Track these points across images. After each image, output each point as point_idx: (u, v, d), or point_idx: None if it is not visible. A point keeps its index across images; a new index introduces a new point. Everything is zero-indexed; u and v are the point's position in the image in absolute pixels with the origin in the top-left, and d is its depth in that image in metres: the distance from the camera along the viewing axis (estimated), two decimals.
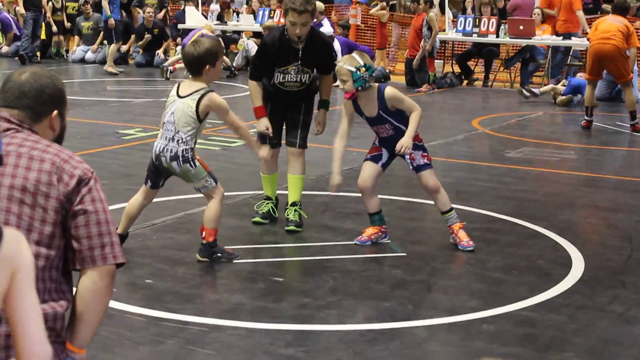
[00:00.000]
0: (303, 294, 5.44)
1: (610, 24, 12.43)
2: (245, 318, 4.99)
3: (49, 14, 20.74)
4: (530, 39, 16.85)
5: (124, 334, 4.72)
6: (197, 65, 5.85)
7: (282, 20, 17.47)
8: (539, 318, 5.10)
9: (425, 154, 6.39)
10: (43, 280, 2.77)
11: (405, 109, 6.27)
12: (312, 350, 4.59)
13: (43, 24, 20.72)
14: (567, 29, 16.82)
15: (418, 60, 16.58)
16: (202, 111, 5.82)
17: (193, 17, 20.14)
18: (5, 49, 21.57)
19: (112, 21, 18.00)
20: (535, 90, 15.39)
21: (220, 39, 18.78)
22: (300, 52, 6.64)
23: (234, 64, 18.85)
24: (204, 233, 5.94)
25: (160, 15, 21.59)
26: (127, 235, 6.10)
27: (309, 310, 5.14)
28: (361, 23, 20.36)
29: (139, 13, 21.27)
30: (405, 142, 6.19)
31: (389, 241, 6.52)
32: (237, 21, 20.58)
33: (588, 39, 13.21)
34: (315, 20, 17.46)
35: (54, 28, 20.80)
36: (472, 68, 18.54)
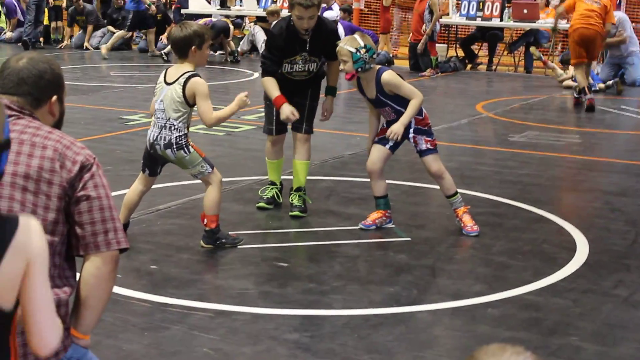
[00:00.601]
0: (308, 279, 5.44)
1: (590, 5, 12.61)
2: (250, 303, 4.99)
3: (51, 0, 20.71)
4: (535, 22, 16.81)
5: (129, 320, 4.73)
6: (183, 46, 5.77)
7: (285, 4, 17.46)
8: (544, 302, 5.10)
9: (430, 138, 6.37)
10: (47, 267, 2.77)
11: (404, 95, 6.24)
12: (317, 335, 4.59)
13: (46, 9, 20.69)
14: None
15: (423, 45, 16.55)
16: (189, 96, 5.75)
17: (196, 2, 20.11)
18: (8, 34, 21.55)
19: (153, 8, 18.63)
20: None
21: (230, 23, 18.75)
22: (307, 43, 6.62)
23: (238, 49, 18.83)
24: (205, 220, 5.93)
25: None
26: (128, 224, 6.09)
27: (314, 295, 5.14)
28: (364, 7, 20.31)
29: None
30: (395, 129, 6.20)
31: (394, 226, 6.52)
32: (240, 6, 20.53)
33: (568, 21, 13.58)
34: (324, 4, 17.46)
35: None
36: (476, 52, 18.49)
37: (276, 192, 7.08)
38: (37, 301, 2.22)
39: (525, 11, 16.76)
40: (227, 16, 20.04)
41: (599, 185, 7.98)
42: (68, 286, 2.84)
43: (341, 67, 6.29)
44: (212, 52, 18.83)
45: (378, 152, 6.45)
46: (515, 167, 8.76)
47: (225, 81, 15.13)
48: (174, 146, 5.80)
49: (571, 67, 14.44)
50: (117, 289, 4.94)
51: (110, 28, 20.45)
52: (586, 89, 12.58)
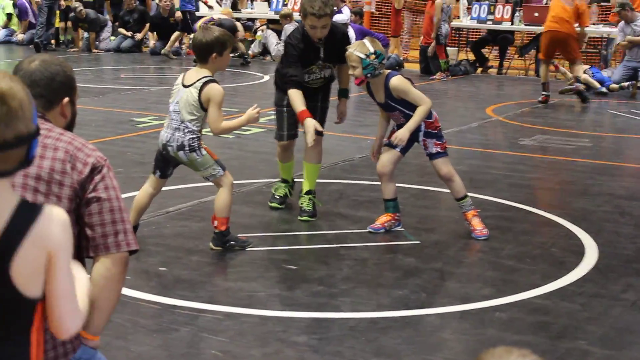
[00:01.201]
0: (317, 281, 5.45)
1: (562, 6, 12.97)
2: (259, 306, 5.00)
3: (63, 2, 20.74)
4: None
5: (138, 322, 4.75)
6: (204, 52, 5.82)
7: (296, 7, 17.48)
8: (552, 306, 5.10)
9: (439, 142, 6.35)
10: None
11: (411, 101, 6.22)
12: (326, 338, 4.60)
13: (58, 12, 20.72)
14: None
15: (433, 48, 16.54)
16: (204, 100, 5.79)
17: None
18: (20, 36, 21.61)
19: (178, 14, 18.99)
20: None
21: (238, 23, 18.77)
22: (321, 51, 6.67)
23: (249, 52, 18.87)
24: (215, 222, 5.95)
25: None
26: (137, 226, 6.11)
27: (323, 298, 5.15)
28: (375, 10, 20.31)
29: (152, 0, 21.27)
30: (400, 135, 6.20)
31: (403, 229, 6.52)
32: (252, 8, 20.57)
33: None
34: (335, 7, 17.47)
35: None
36: (487, 55, 18.48)
37: (288, 189, 7.22)
38: (59, 292, 2.25)
39: (536, 14, 16.74)
40: (238, 19, 20.08)
41: (609, 189, 7.97)
42: None
43: (350, 72, 6.29)
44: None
45: (388, 155, 6.45)
46: (525, 170, 8.75)
47: (236, 84, 15.15)
48: (187, 148, 5.83)
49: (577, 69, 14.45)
50: (126, 291, 4.97)
51: (122, 30, 20.48)
52: (545, 85, 13.58)
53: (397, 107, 6.29)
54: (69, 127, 3.02)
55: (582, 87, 14.00)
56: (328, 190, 7.65)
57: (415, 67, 17.51)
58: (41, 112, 2.93)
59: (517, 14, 17.30)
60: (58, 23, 21.06)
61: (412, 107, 6.23)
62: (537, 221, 6.89)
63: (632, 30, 15.02)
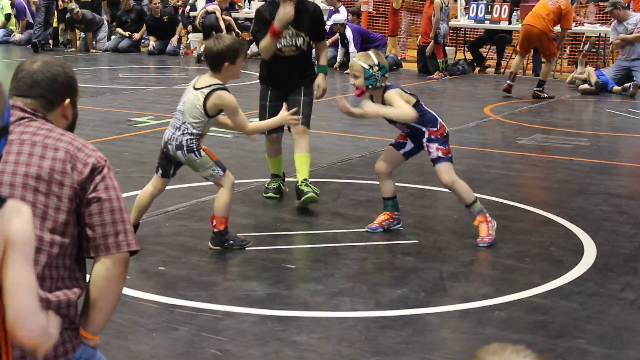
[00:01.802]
0: (315, 281, 5.46)
1: (544, 3, 13.30)
2: (258, 305, 5.01)
3: (60, 2, 20.73)
4: None
5: (138, 321, 4.75)
6: (216, 60, 5.82)
7: None
8: (551, 305, 5.11)
9: (442, 147, 6.17)
10: (57, 268, 2.79)
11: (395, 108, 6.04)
12: (324, 337, 4.60)
13: (55, 12, 20.72)
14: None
15: (431, 48, 16.55)
16: (210, 107, 5.79)
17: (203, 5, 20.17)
18: (18, 36, 21.60)
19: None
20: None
21: (228, 17, 18.80)
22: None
23: (248, 51, 18.92)
24: (214, 222, 5.96)
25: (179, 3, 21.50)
26: (138, 225, 6.12)
27: (322, 297, 5.16)
28: (373, 10, 20.31)
29: (142, 5, 21.26)
30: (364, 106, 6.06)
31: (402, 228, 6.53)
32: (249, 8, 20.56)
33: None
34: (332, 7, 17.47)
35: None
36: (484, 55, 18.49)
37: (281, 183, 7.41)
38: (13, 285, 2.17)
39: None
40: (236, 19, 20.08)
41: (607, 188, 7.97)
42: (78, 287, 2.86)
43: (352, 81, 6.24)
44: None
45: (388, 154, 6.43)
46: (523, 169, 8.76)
47: (234, 83, 15.13)
48: (185, 149, 5.84)
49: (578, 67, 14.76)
50: (126, 290, 4.96)
51: (120, 30, 20.48)
52: (512, 74, 14.17)
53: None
54: (70, 128, 3.03)
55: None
56: (326, 189, 7.66)
57: (413, 67, 17.52)
58: (42, 112, 2.94)
59: (514, 13, 17.30)
60: (56, 23, 21.06)
61: None
62: (536, 220, 6.89)
63: (624, 29, 15.04)
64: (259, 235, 6.36)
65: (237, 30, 18.84)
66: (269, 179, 7.52)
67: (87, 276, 2.94)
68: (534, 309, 5.05)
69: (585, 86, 14.66)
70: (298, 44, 7.09)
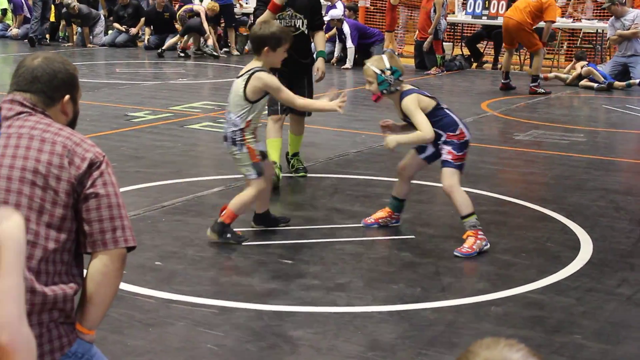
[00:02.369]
0: (312, 276, 5.46)
1: None
2: (255, 300, 5.01)
3: None
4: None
5: (134, 316, 4.75)
6: (258, 44, 5.97)
7: None
8: (547, 300, 5.11)
9: (454, 151, 6.01)
10: (54, 263, 2.79)
11: (414, 124, 5.95)
12: (321, 332, 4.61)
13: (52, 6, 20.68)
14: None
15: (429, 44, 16.55)
16: (250, 91, 5.84)
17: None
18: (14, 31, 21.57)
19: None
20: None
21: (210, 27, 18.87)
22: None
23: (245, 47, 18.98)
24: (224, 212, 5.98)
25: None
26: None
27: (318, 292, 5.16)
28: (370, 5, 20.30)
29: None
30: (388, 140, 5.94)
31: (399, 224, 6.52)
32: (246, 3, 20.54)
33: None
34: (329, 2, 17.46)
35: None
36: (482, 51, 18.48)
37: (277, 170, 7.49)
38: (0, 291, 2.08)
39: None
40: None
41: (604, 184, 7.98)
42: (74, 283, 2.87)
43: (367, 87, 6.16)
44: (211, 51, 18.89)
45: (410, 158, 6.33)
46: (520, 165, 8.76)
47: (230, 79, 15.13)
48: (229, 140, 5.97)
49: (577, 66, 14.79)
50: (122, 285, 4.94)
51: (117, 25, 20.46)
52: (504, 73, 14.30)
53: (414, 125, 6.02)
54: (71, 125, 3.03)
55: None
56: (323, 184, 7.66)
57: (410, 62, 17.50)
58: (42, 108, 2.94)
59: None
60: (53, 18, 21.03)
61: (432, 123, 5.97)
62: (532, 216, 6.90)
63: (622, 25, 15.05)
64: (257, 229, 6.36)
65: (216, 44, 18.98)
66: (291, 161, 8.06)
67: (85, 271, 2.94)
68: (531, 304, 5.06)
69: (590, 83, 14.63)
70: (297, 25, 7.55)
